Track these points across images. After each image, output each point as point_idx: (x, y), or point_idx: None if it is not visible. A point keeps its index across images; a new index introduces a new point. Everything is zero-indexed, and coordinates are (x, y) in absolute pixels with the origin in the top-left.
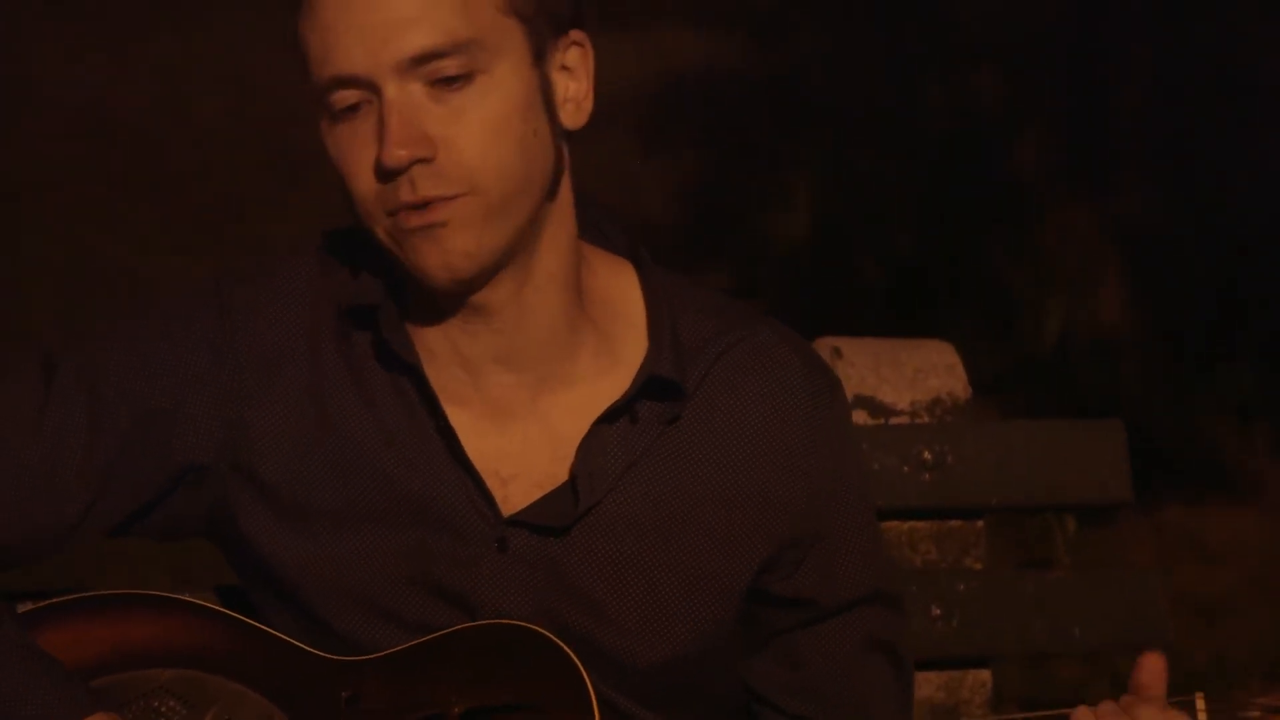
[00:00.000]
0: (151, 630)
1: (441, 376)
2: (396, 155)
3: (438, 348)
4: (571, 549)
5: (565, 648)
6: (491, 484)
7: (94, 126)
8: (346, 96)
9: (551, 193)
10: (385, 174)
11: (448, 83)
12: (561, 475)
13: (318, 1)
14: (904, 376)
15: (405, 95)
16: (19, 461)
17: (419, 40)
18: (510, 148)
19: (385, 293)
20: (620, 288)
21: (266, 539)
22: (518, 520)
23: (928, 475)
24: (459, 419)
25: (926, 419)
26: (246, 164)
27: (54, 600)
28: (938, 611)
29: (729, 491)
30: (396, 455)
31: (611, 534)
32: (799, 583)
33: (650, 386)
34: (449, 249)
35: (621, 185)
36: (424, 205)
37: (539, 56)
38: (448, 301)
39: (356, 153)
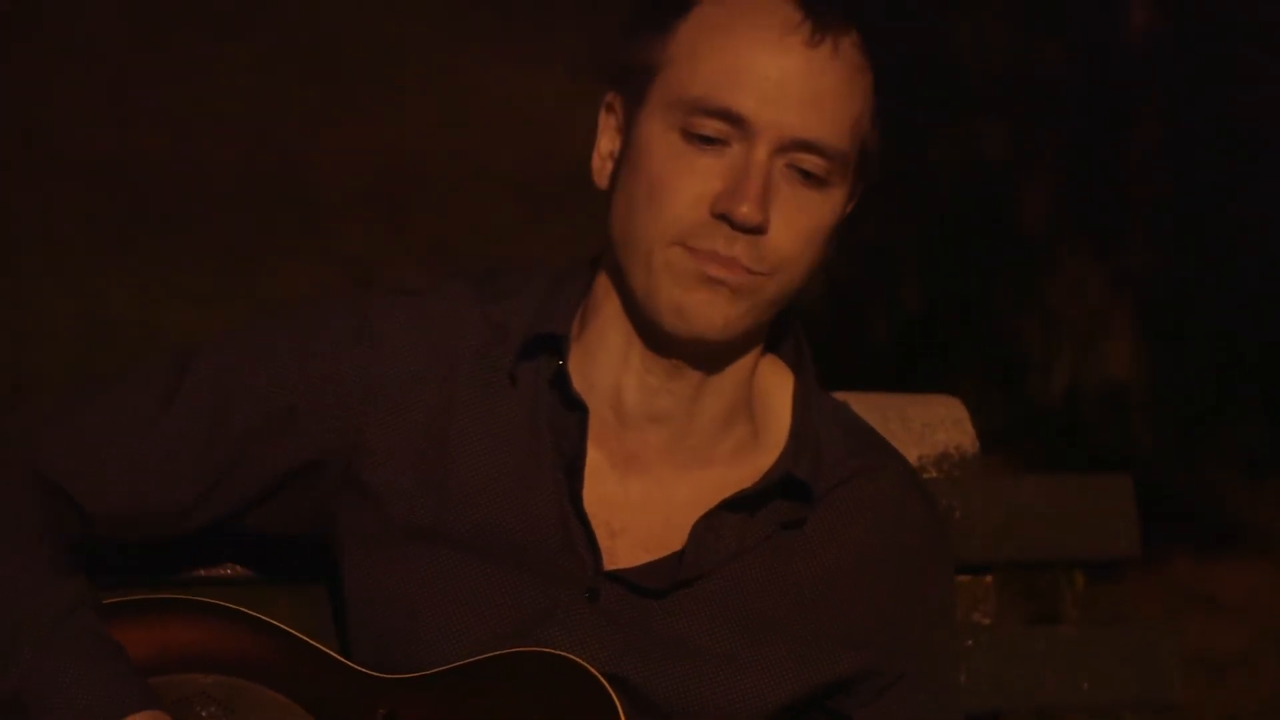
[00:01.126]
0: (196, 635)
1: (591, 417)
2: (754, 215)
3: (600, 390)
4: (658, 615)
5: (606, 684)
6: (600, 534)
7: (103, 176)
8: (714, 126)
9: None
10: (723, 218)
11: (804, 176)
12: (670, 543)
13: (741, 31)
14: (911, 431)
15: (771, 165)
16: (144, 440)
17: (817, 131)
18: (810, 261)
19: (568, 325)
20: (776, 390)
21: (358, 549)
22: (617, 575)
23: None
24: (591, 459)
25: (934, 474)
26: (258, 212)
27: (114, 599)
28: None
29: (826, 607)
30: (509, 490)
31: (701, 611)
32: (876, 712)
33: (782, 485)
34: (717, 307)
35: None
36: (728, 262)
37: (852, 195)
38: (646, 351)
39: (690, 179)
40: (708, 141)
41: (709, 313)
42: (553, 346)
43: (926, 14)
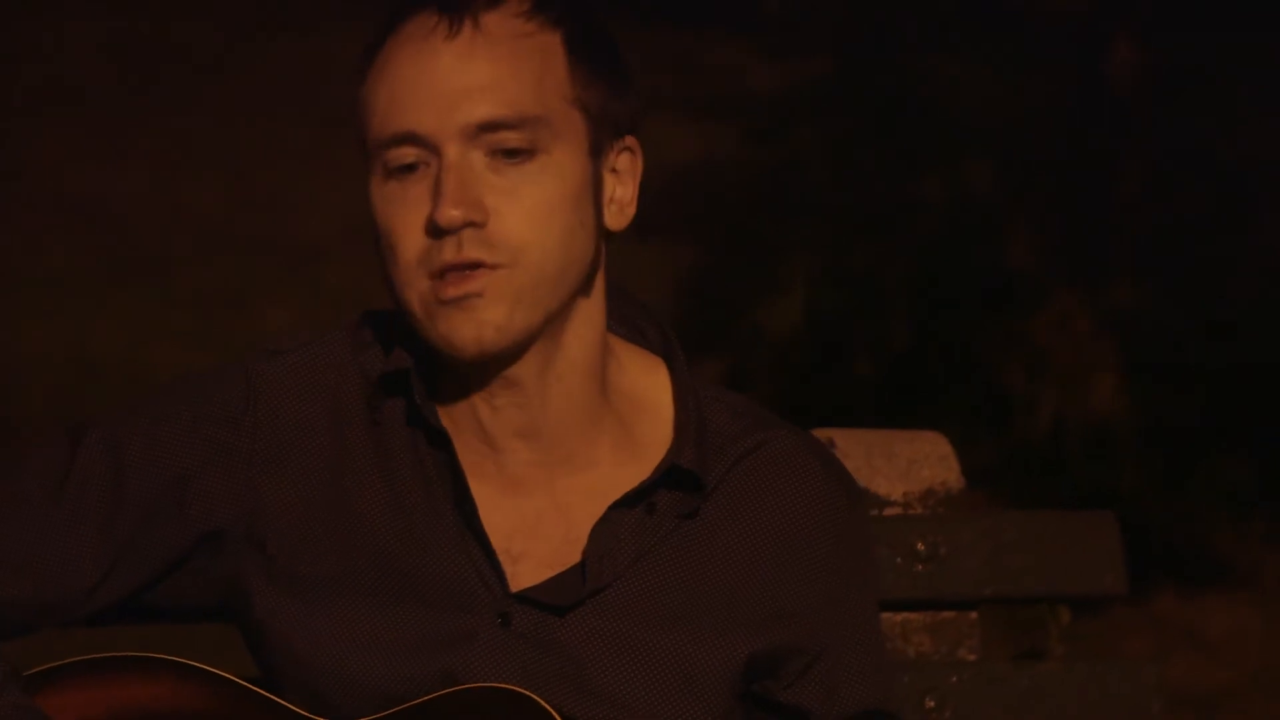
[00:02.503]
0: (152, 692)
1: (463, 449)
2: (451, 215)
3: (461, 420)
4: (574, 629)
5: (553, 712)
6: (502, 560)
7: (89, 215)
8: (405, 154)
9: (586, 288)
10: (436, 232)
11: (508, 155)
12: (572, 557)
13: (393, 57)
14: (897, 468)
15: (465, 160)
16: (40, 524)
17: (489, 109)
18: (556, 231)
19: (415, 360)
20: (650, 385)
21: (271, 609)
22: (524, 596)
23: (921, 566)
24: (476, 491)
25: (920, 510)
26: (243, 251)
27: (56, 663)
28: (931, 703)
29: (738, 589)
30: (408, 531)
31: (615, 618)
32: (800, 693)
33: (671, 476)
34: (481, 320)
35: (617, 274)
36: (465, 267)
37: (595, 152)
38: (473, 374)
39: (406, 212)
40: (407, 169)
41: (472, 330)
42: (403, 384)
43: (913, 52)
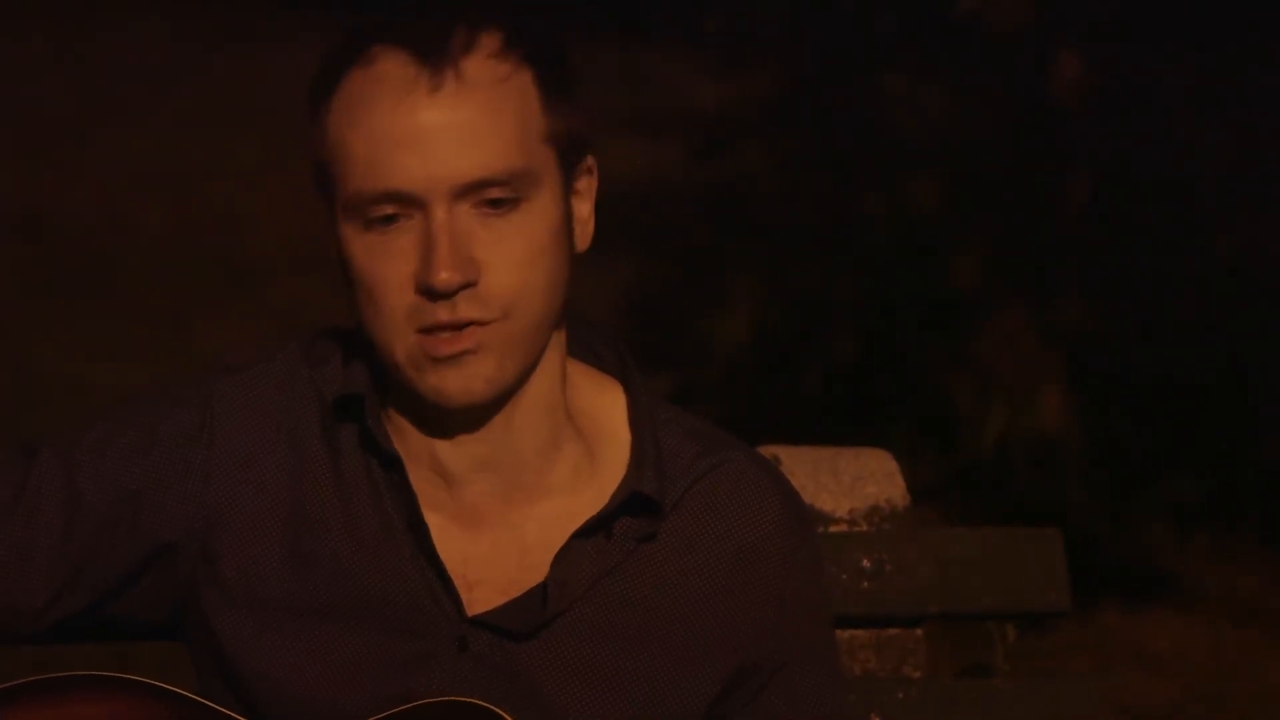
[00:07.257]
0: (108, 709)
1: (417, 478)
2: (447, 279)
3: (416, 451)
4: (533, 654)
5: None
6: (458, 585)
7: (33, 235)
8: (385, 209)
9: (560, 320)
10: (430, 294)
11: (494, 204)
12: (527, 582)
13: (370, 105)
14: (842, 484)
15: (454, 217)
16: None
17: (477, 168)
18: (544, 275)
19: (371, 385)
20: (606, 407)
21: (225, 628)
22: (481, 621)
23: (866, 583)
24: (429, 520)
25: (865, 527)
26: (189, 271)
27: (8, 684)
28: None
29: (696, 610)
30: (363, 551)
31: (574, 641)
32: (758, 711)
33: (630, 503)
34: (472, 374)
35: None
36: (458, 326)
37: (567, 184)
38: (435, 413)
39: (390, 266)
40: (386, 220)
41: (466, 385)
42: (357, 408)
43: (857, 69)
